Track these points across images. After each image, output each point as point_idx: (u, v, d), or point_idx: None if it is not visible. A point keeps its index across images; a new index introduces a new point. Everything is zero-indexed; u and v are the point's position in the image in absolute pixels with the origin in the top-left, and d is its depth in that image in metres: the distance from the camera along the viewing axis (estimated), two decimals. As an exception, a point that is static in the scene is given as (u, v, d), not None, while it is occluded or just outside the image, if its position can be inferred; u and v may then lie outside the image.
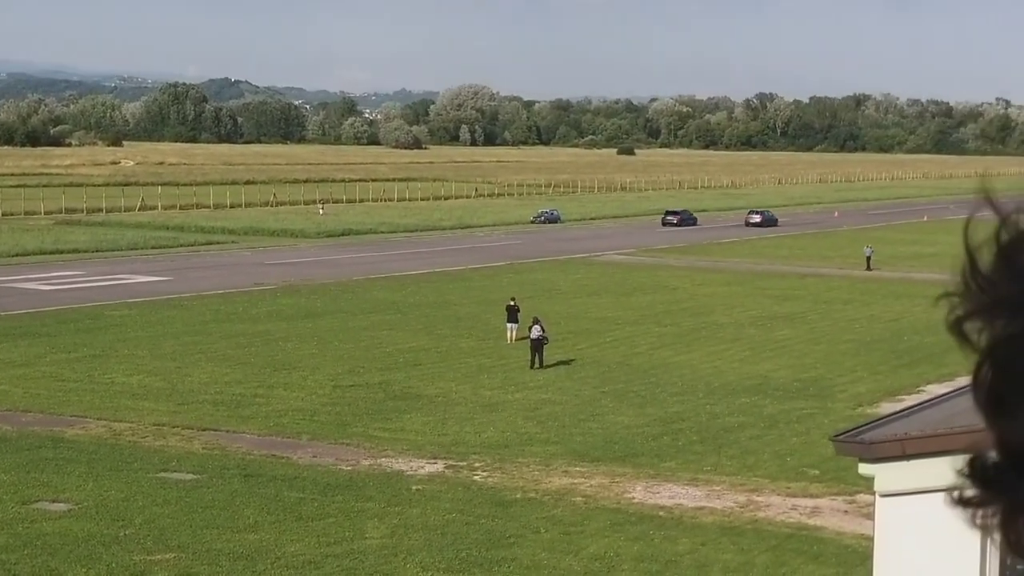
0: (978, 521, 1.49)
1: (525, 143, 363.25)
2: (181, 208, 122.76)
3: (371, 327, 56.22)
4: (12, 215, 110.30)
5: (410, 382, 44.60)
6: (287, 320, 57.71)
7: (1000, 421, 1.47)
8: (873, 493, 17.56)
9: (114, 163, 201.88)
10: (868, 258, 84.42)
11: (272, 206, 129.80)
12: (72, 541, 27.25)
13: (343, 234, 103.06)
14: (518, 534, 28.44)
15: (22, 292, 65.00)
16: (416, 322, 57.91)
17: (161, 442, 35.76)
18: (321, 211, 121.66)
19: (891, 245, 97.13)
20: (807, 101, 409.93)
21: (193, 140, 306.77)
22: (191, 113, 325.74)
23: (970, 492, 1.49)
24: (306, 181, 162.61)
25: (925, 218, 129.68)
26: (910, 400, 34.61)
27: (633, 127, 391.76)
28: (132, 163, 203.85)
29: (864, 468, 16.96)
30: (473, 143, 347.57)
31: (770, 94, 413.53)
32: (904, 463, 16.17)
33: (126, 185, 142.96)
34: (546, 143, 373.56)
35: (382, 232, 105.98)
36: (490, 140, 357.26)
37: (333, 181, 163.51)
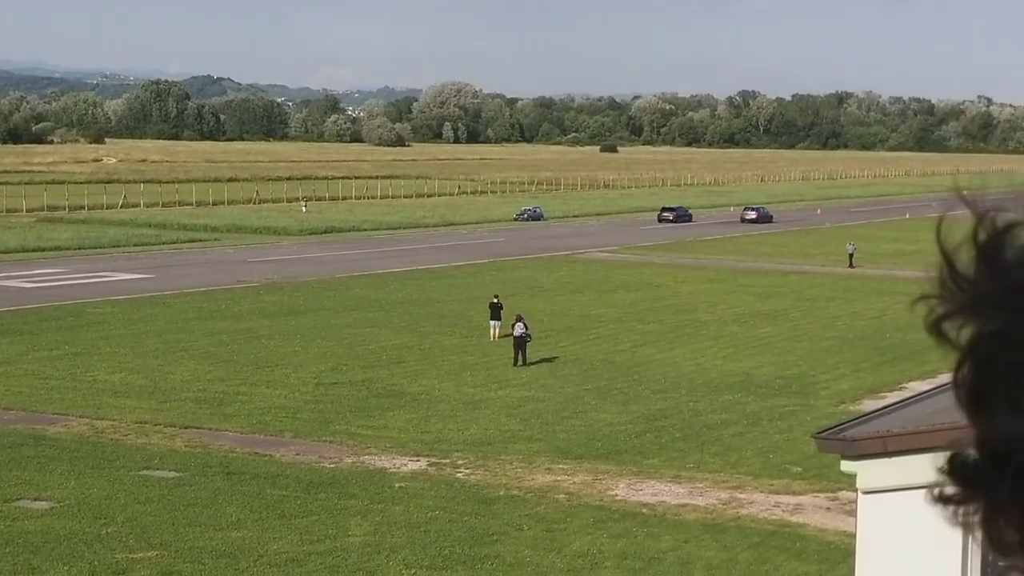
0: (959, 519, 1.49)
1: (508, 141, 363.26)
2: (163, 206, 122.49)
3: (354, 325, 56.18)
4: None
5: (393, 380, 44.58)
6: (270, 318, 57.63)
7: (981, 419, 1.47)
8: (855, 490, 17.62)
9: (96, 160, 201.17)
10: (850, 255, 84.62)
11: (255, 204, 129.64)
12: (54, 539, 27.18)
13: (326, 232, 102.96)
14: (501, 531, 28.45)
15: (3, 290, 64.76)
16: (399, 320, 57.88)
17: (143, 440, 35.68)
18: (304, 209, 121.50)
19: (873, 242, 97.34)
20: (789, 99, 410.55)
21: (175, 137, 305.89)
22: (173, 110, 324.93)
23: (951, 489, 1.49)
24: (289, 179, 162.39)
25: (907, 216, 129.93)
26: (892, 397, 34.71)
27: (616, 125, 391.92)
28: (114, 160, 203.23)
29: (846, 465, 17.01)
30: (456, 141, 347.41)
31: (753, 92, 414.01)
32: (886, 460, 16.22)
33: (108, 182, 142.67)
34: (529, 141, 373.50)
35: (365, 230, 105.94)
36: (473, 138, 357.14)
37: (316, 179, 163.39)
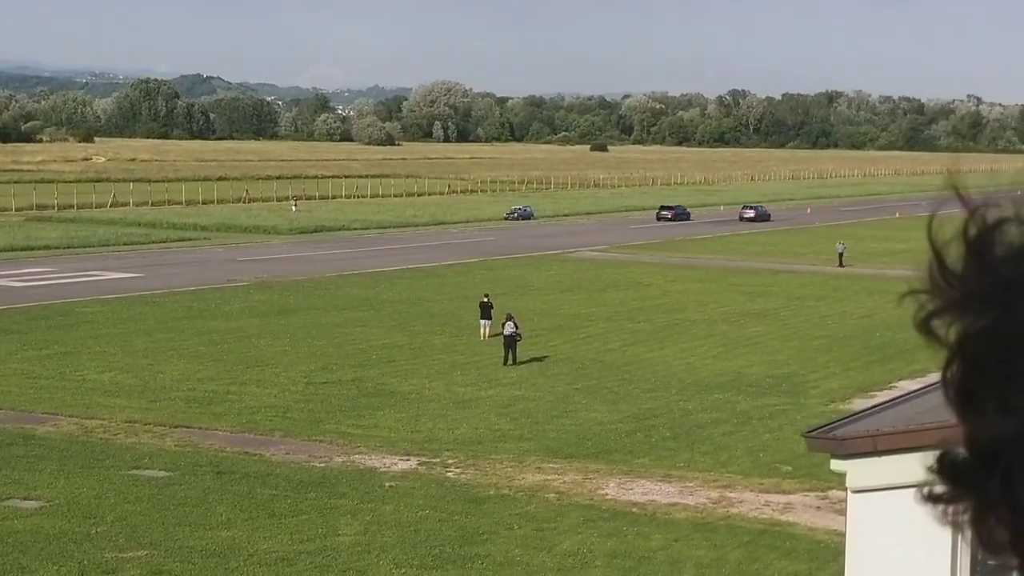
0: (948, 518, 1.48)
1: (498, 140, 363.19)
2: (153, 204, 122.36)
3: (344, 324, 56.14)
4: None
5: (383, 379, 44.56)
6: (260, 317, 57.57)
7: (970, 417, 1.46)
8: (845, 489, 17.63)
9: (85, 159, 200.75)
10: (840, 254, 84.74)
11: (244, 203, 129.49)
12: (43, 538, 27.13)
13: (316, 231, 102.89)
14: (491, 531, 28.44)
15: (-7, 289, 64.64)
16: (389, 319, 57.85)
17: (133, 439, 35.63)
18: (294, 208, 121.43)
19: (863, 241, 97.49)
20: (779, 98, 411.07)
21: (165, 136, 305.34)
22: (163, 109, 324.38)
23: (940, 488, 1.48)
24: (279, 178, 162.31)
25: (897, 215, 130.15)
26: (882, 396, 34.78)
27: (606, 124, 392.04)
28: (104, 159, 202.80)
29: (836, 464, 17.01)
30: (446, 140, 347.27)
31: (743, 91, 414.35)
32: (876, 459, 16.22)
33: (98, 181, 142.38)
34: (519, 140, 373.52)
35: (355, 229, 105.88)
36: (463, 137, 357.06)
37: (306, 177, 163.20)
